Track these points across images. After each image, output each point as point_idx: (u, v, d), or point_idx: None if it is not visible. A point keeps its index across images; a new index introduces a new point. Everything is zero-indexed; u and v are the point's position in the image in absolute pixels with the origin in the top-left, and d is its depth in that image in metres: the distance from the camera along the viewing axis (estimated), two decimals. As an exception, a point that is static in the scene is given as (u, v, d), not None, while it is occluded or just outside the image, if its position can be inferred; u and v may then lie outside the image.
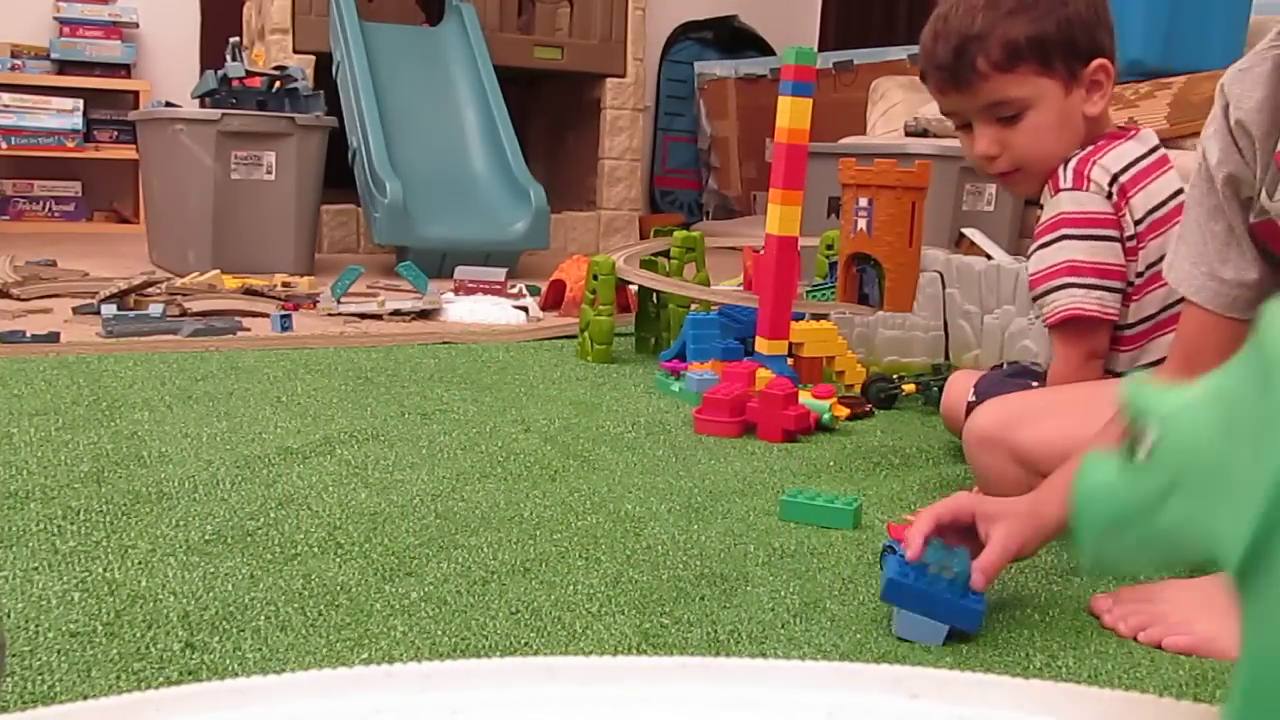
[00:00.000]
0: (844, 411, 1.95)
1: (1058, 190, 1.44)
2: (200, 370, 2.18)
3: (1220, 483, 0.34)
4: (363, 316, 2.89)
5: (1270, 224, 1.04)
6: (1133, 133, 1.47)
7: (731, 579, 1.21)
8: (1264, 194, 1.03)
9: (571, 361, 2.45)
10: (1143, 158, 1.44)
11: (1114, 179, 1.41)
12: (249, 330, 2.65)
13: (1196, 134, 1.20)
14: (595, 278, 2.47)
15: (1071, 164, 1.43)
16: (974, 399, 1.55)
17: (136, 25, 5.18)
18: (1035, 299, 1.46)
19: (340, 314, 2.91)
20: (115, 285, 2.83)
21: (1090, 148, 1.44)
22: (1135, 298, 1.42)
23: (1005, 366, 1.70)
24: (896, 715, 0.36)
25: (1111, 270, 1.40)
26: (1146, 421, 0.36)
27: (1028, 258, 1.49)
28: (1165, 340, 1.38)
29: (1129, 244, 1.41)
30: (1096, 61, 1.41)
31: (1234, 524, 0.33)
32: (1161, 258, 1.29)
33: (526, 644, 1.03)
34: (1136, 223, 1.41)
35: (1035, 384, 1.54)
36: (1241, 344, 0.97)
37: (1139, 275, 1.42)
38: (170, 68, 5.24)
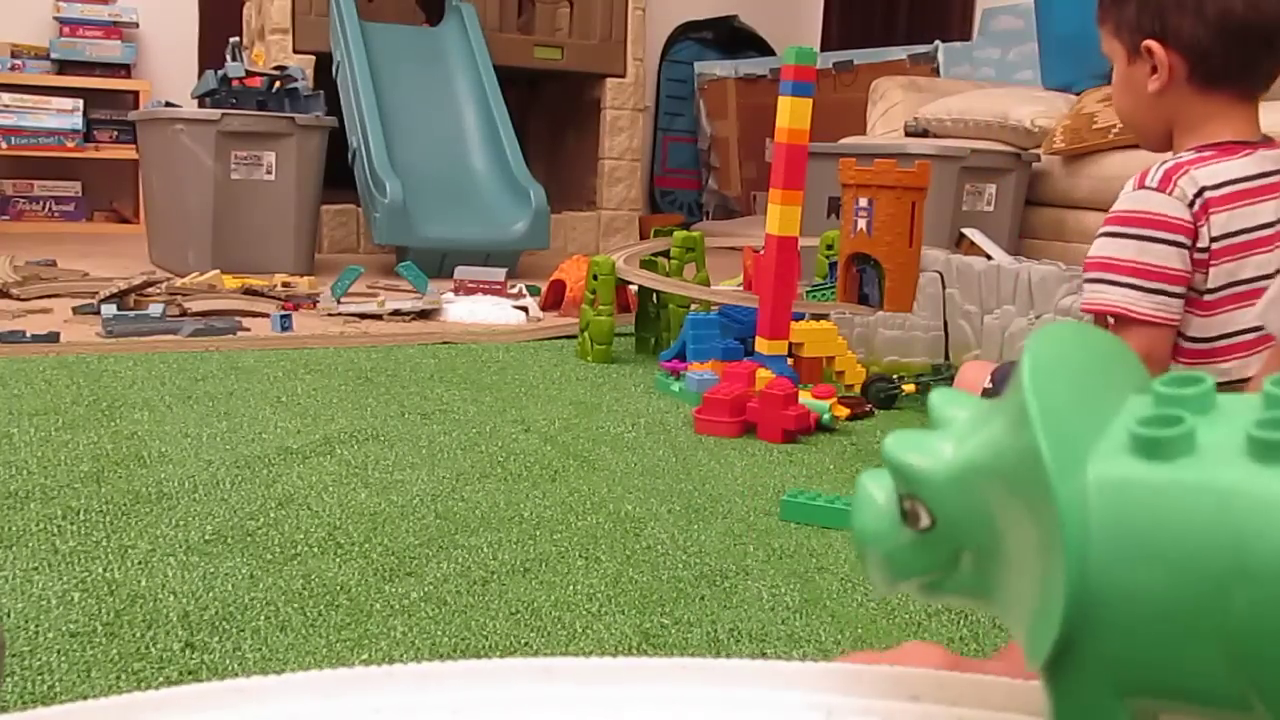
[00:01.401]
0: (844, 411, 1.95)
1: (1139, 185, 1.39)
2: (200, 370, 2.18)
3: (1005, 563, 0.32)
4: (363, 316, 2.89)
5: None
6: (1252, 151, 1.39)
7: (731, 579, 1.21)
8: None
9: (571, 361, 2.45)
10: (1248, 179, 1.37)
11: (1200, 192, 1.35)
12: (249, 330, 2.65)
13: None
14: (595, 278, 2.47)
15: (1166, 165, 1.38)
16: (989, 386, 1.53)
17: (136, 25, 5.18)
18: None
19: (340, 314, 2.91)
20: (115, 285, 2.83)
21: (1194, 155, 1.38)
22: (1205, 312, 1.36)
23: None
24: (897, 716, 0.36)
25: (1158, 273, 1.35)
26: (918, 491, 0.32)
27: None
28: (1247, 361, 1.33)
29: (1199, 254, 1.36)
30: (1146, 41, 1.37)
31: (1030, 620, 0.31)
32: (1239, 281, 1.26)
33: (526, 644, 1.03)
34: (1212, 239, 1.35)
35: None
36: None
37: (1210, 291, 1.36)
38: (170, 68, 5.24)
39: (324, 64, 4.30)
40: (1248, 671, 0.28)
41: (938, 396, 0.33)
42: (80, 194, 5.28)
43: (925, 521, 0.32)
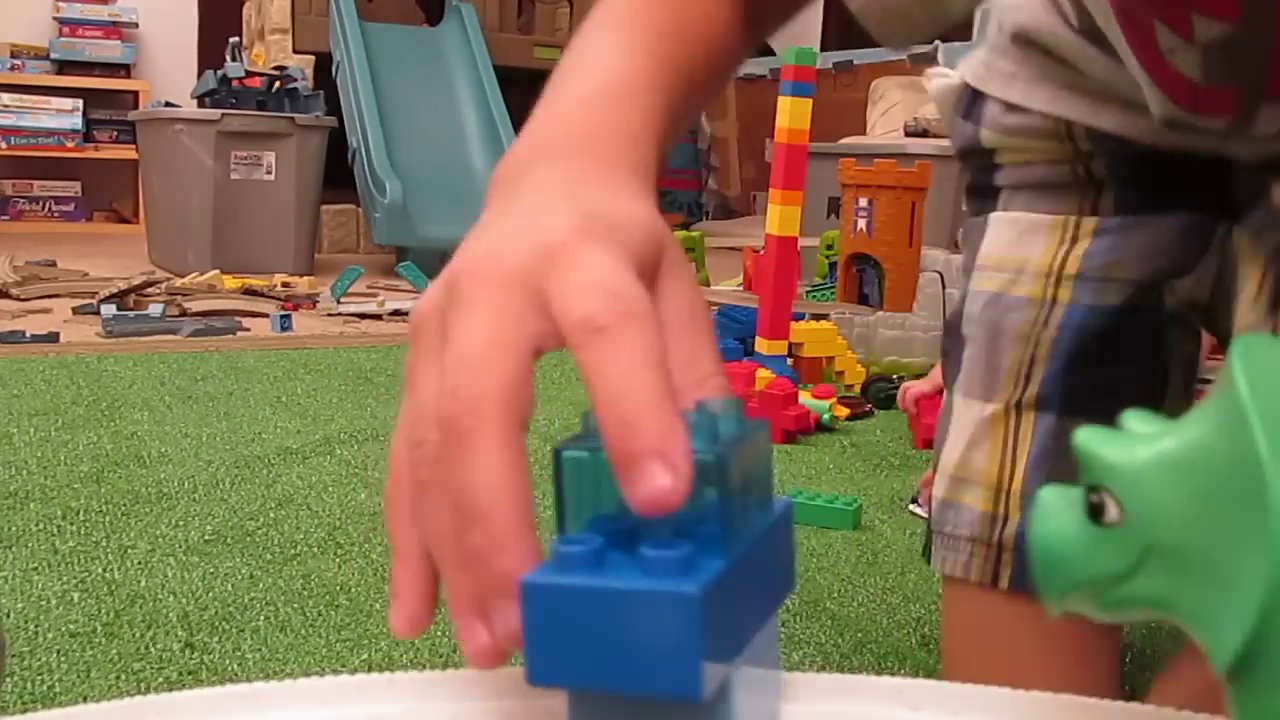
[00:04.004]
0: (844, 411, 1.95)
1: None
2: (200, 370, 2.18)
3: (1198, 562, 0.31)
4: (363, 316, 2.89)
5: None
6: None
7: (731, 580, 1.21)
8: None
9: (570, 361, 2.44)
10: None
11: None
12: (249, 330, 2.65)
13: None
14: (595, 278, 2.47)
15: None
16: None
17: (136, 25, 5.18)
18: None
19: (340, 314, 2.90)
20: (115, 285, 2.83)
21: None
22: None
23: None
24: (897, 725, 0.36)
25: None
26: (1108, 482, 0.31)
27: None
28: None
29: None
30: None
31: (1220, 618, 0.30)
32: None
33: (526, 645, 1.03)
34: None
35: None
36: None
37: None
38: (170, 68, 5.24)
39: (324, 64, 4.30)
40: None
41: (1090, 437, 0.32)
42: (80, 194, 5.28)
43: (1114, 515, 0.31)
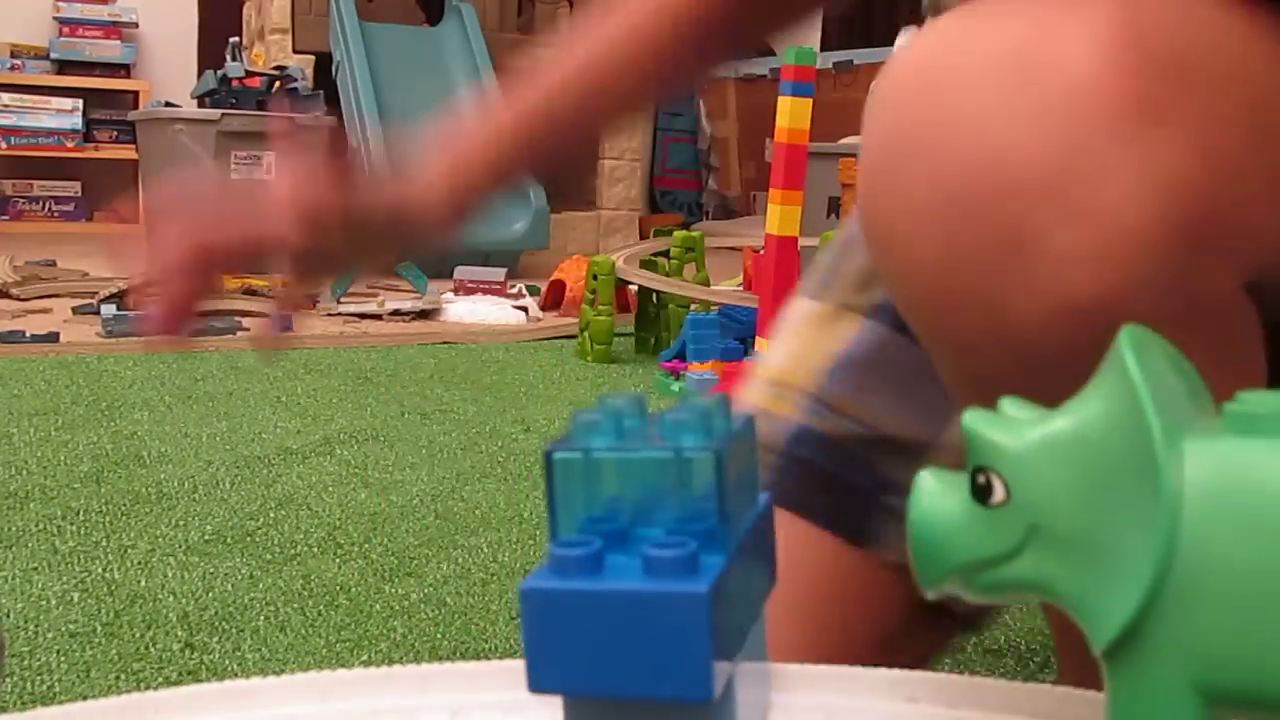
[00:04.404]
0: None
1: None
2: (200, 370, 2.18)
3: (1083, 544, 0.31)
4: (363, 316, 2.89)
5: None
6: None
7: (731, 579, 1.21)
8: None
9: (571, 361, 2.45)
10: None
11: None
12: (249, 330, 2.65)
13: None
14: (595, 278, 2.47)
15: None
16: None
17: (136, 25, 5.18)
18: None
19: (340, 314, 2.91)
20: (115, 285, 2.83)
21: None
22: None
23: None
24: (893, 718, 0.36)
25: None
26: (996, 463, 0.31)
27: None
28: None
29: None
30: None
31: (1105, 599, 0.30)
32: None
33: (526, 644, 1.03)
34: None
35: None
36: None
37: None
38: (170, 68, 5.24)
39: (324, 64, 4.30)
40: None
41: (976, 420, 0.32)
42: (80, 194, 5.28)
43: (1000, 495, 0.31)
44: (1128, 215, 0.36)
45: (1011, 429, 0.31)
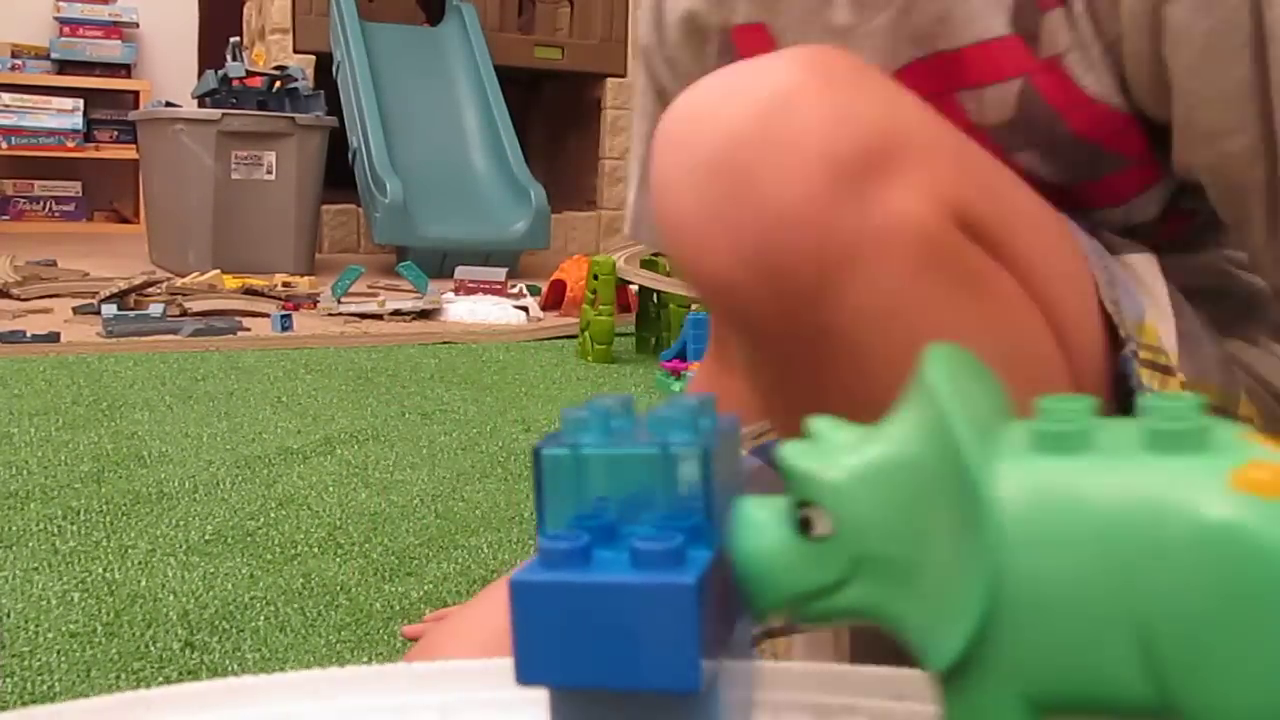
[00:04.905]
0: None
1: None
2: (200, 370, 2.19)
3: (908, 570, 0.31)
4: (363, 316, 2.89)
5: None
6: None
7: (729, 578, 1.21)
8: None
9: (571, 361, 2.45)
10: None
11: None
12: (249, 330, 2.65)
13: None
14: (595, 278, 2.48)
15: None
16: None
17: (136, 25, 5.18)
18: None
19: (340, 314, 2.91)
20: (115, 285, 2.83)
21: None
22: None
23: None
24: (882, 715, 0.36)
25: None
26: (817, 496, 0.31)
27: None
28: None
29: None
30: None
31: (938, 625, 0.30)
32: None
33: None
34: None
35: None
36: None
37: None
38: (170, 68, 5.24)
39: (324, 64, 4.30)
40: (1159, 662, 0.28)
41: (792, 450, 0.32)
42: (80, 194, 5.28)
43: (823, 528, 0.31)
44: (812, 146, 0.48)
45: (828, 459, 0.32)
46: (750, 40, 0.72)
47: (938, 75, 0.64)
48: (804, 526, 0.32)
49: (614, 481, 0.32)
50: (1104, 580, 0.29)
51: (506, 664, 0.30)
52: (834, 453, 0.32)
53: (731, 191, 0.48)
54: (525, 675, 0.30)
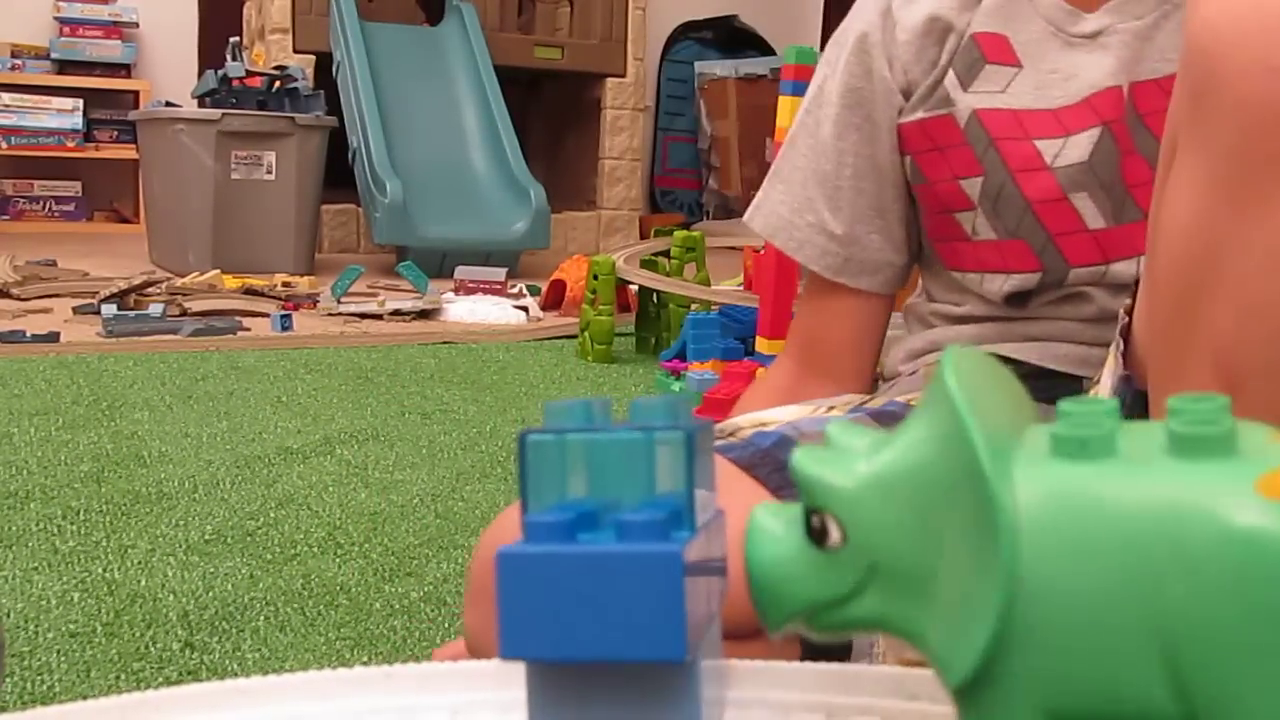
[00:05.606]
0: (844, 411, 1.95)
1: None
2: (200, 370, 2.18)
3: (922, 581, 0.30)
4: (363, 316, 2.89)
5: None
6: None
7: (731, 579, 1.21)
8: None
9: (571, 361, 2.45)
10: None
11: None
12: (249, 330, 2.65)
13: None
14: (595, 278, 2.47)
15: None
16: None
17: (136, 25, 5.18)
18: None
19: (340, 314, 2.91)
20: (115, 285, 2.83)
21: None
22: None
23: None
24: (896, 716, 0.36)
25: None
26: (829, 504, 0.31)
27: None
28: None
29: None
30: None
31: (953, 639, 0.30)
32: None
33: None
34: None
35: None
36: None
37: None
38: (170, 68, 5.24)
39: (324, 64, 4.30)
40: (1183, 676, 0.27)
41: (805, 457, 0.32)
42: (80, 194, 5.28)
43: (836, 537, 0.30)
44: None
45: (841, 466, 0.31)
46: (992, 44, 0.79)
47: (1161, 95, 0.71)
48: (817, 535, 0.31)
49: (596, 467, 0.32)
50: (1126, 591, 0.28)
51: (517, 666, 0.30)
52: (847, 459, 0.31)
53: None
54: (510, 649, 0.30)
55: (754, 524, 0.32)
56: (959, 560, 0.30)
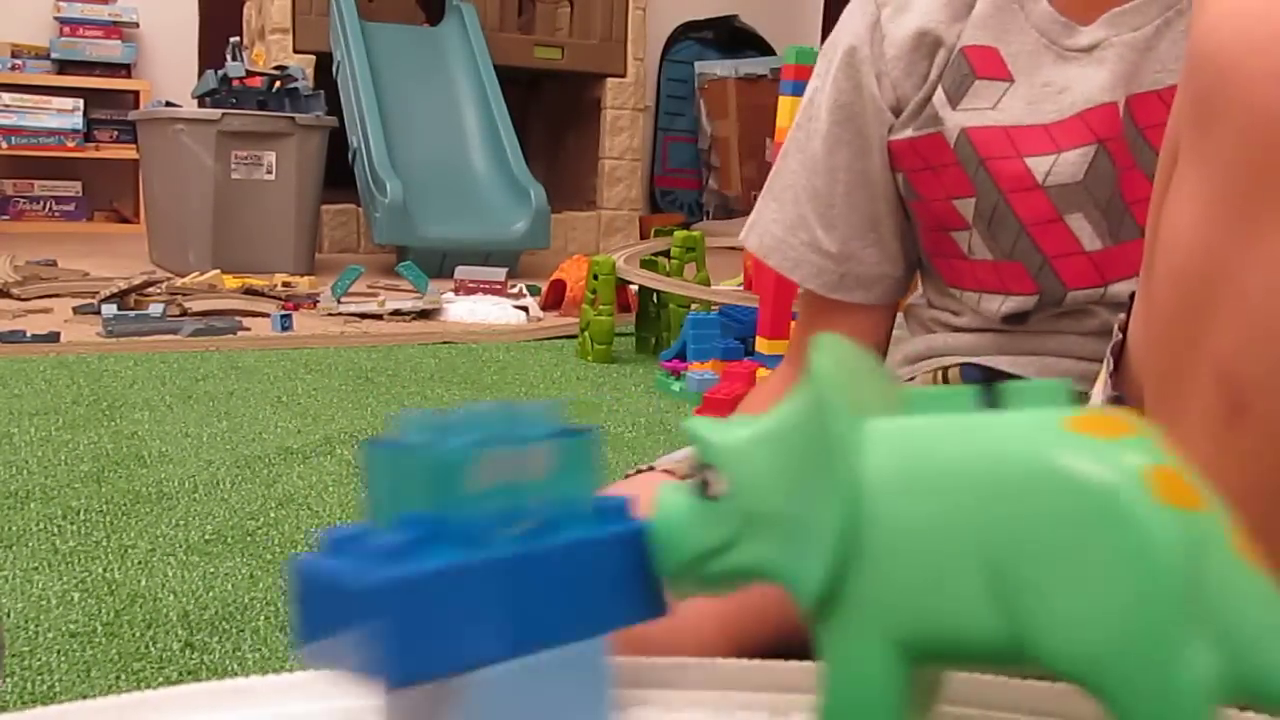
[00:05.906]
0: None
1: None
2: (200, 370, 2.18)
3: (786, 525, 0.34)
4: (363, 316, 2.89)
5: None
6: None
7: (731, 579, 1.21)
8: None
9: (571, 361, 2.45)
10: None
11: None
12: (249, 330, 2.65)
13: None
14: (595, 278, 2.47)
15: None
16: None
17: (136, 25, 5.18)
18: None
19: (340, 314, 2.91)
20: (115, 285, 2.83)
21: None
22: None
23: None
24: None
25: None
26: (713, 459, 0.36)
27: None
28: None
29: None
30: None
31: (804, 567, 0.34)
32: None
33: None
34: None
35: None
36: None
37: None
38: (170, 68, 5.24)
39: (324, 64, 4.30)
40: (1005, 594, 0.31)
41: (696, 424, 0.37)
42: (80, 194, 5.28)
43: (718, 488, 0.35)
44: None
45: (726, 429, 0.36)
46: (983, 57, 0.77)
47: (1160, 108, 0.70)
48: (702, 488, 0.36)
49: (404, 480, 0.34)
50: (954, 521, 0.32)
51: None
52: (734, 425, 0.36)
53: None
54: (304, 655, 0.32)
55: (660, 493, 0.37)
56: (813, 502, 0.34)
